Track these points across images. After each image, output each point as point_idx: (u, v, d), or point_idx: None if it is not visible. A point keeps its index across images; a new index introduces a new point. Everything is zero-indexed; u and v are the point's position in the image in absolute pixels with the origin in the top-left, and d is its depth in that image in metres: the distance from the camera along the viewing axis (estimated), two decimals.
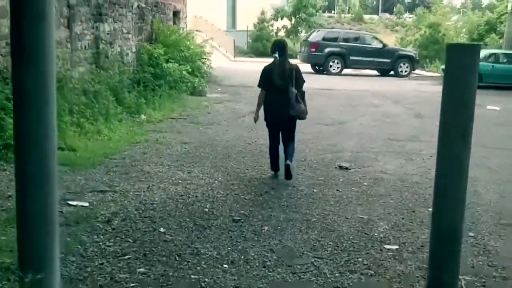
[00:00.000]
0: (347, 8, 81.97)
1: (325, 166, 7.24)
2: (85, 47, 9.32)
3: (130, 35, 11.60)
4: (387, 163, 7.71)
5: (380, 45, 21.71)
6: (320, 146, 8.58)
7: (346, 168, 7.11)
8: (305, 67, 21.85)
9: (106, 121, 8.72)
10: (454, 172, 2.98)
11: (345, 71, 21.45)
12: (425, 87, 18.48)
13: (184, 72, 12.74)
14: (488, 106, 14.59)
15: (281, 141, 6.35)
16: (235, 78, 17.53)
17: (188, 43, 14.50)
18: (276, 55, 6.02)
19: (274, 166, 6.36)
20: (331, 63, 20.88)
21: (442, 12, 28.80)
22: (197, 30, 32.19)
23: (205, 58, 16.19)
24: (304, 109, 6.12)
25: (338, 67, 20.95)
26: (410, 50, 23.29)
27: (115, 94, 9.81)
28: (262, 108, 6.29)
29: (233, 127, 9.89)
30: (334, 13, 77.70)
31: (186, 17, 17.53)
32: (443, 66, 19.98)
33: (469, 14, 28.84)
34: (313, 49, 20.87)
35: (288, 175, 6.11)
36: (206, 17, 30.98)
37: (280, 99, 5.87)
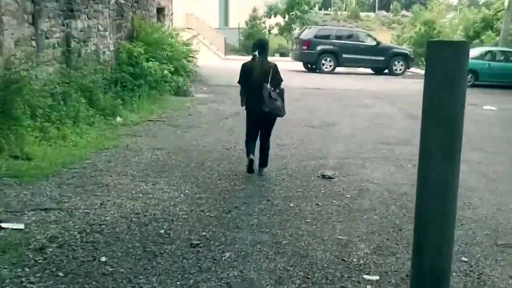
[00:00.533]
0: (343, 5, 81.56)
1: (307, 175, 6.65)
2: (54, 45, 8.70)
3: (107, 33, 10.98)
4: (375, 170, 7.13)
5: (374, 43, 21.06)
6: (304, 152, 7.99)
7: (329, 178, 6.52)
8: (297, 66, 21.41)
9: (75, 125, 8.11)
10: (438, 201, 2.38)
11: (338, 69, 20.82)
12: (419, 86, 17.71)
13: (166, 72, 12.12)
14: (484, 106, 14.07)
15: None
16: (223, 77, 16.89)
17: (172, 41, 13.87)
18: (256, 53, 6.23)
19: (249, 151, 6.54)
20: (323, 61, 20.25)
21: (438, 9, 28.06)
22: (188, 28, 31.64)
23: (192, 57, 15.59)
24: (279, 106, 6.21)
25: (330, 66, 20.32)
26: (405, 48, 22.65)
27: (88, 95, 9.21)
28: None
29: (213, 131, 9.29)
30: (330, 11, 77.33)
31: (172, 14, 16.89)
32: None
33: (465, 11, 28.15)
34: (305, 47, 20.23)
35: (250, 169, 6.46)
36: (197, 14, 30.35)
37: (258, 95, 6.04)
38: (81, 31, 9.67)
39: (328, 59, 20.28)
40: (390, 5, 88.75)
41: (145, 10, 13.50)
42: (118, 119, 9.54)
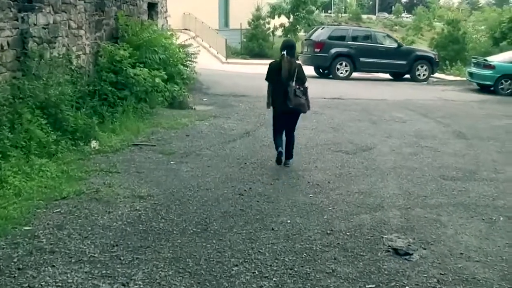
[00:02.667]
0: (344, 7, 79.76)
1: (367, 247, 4.33)
2: (2, 46, 6.37)
3: (82, 32, 8.65)
4: (460, 231, 4.86)
5: (395, 45, 18.73)
6: (347, 197, 5.67)
7: (406, 253, 4.19)
8: (307, 70, 19.07)
9: (27, 157, 5.79)
10: None
11: (353, 74, 18.46)
12: (450, 95, 15.58)
13: (157, 80, 9.78)
14: None
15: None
16: (226, 84, 14.58)
17: (165, 42, 11.54)
18: (285, 53, 6.48)
19: (278, 145, 6.82)
20: (338, 66, 17.90)
21: (460, 7, 25.43)
22: (185, 29, 29.36)
23: (189, 61, 13.27)
24: (303, 103, 6.61)
25: (346, 71, 17.97)
26: (429, 51, 20.31)
27: (53, 114, 6.89)
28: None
29: (218, 161, 6.96)
30: (331, 13, 75.62)
31: (166, 11, 14.55)
32: (469, 69, 17.13)
33: (488, 10, 25.82)
34: (317, 49, 17.88)
35: (279, 161, 6.80)
36: (195, 14, 28.03)
37: (282, 93, 6.44)
38: (44, 28, 7.33)
39: (344, 63, 17.94)
40: (391, 8, 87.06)
41: (133, 5, 11.15)
42: (93, 144, 7.23)
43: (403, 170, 7.01)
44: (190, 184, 5.82)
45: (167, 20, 14.66)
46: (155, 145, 7.60)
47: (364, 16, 70.82)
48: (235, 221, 4.76)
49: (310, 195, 5.66)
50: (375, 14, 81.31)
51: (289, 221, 4.83)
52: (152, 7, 13.14)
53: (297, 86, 6.49)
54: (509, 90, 15.71)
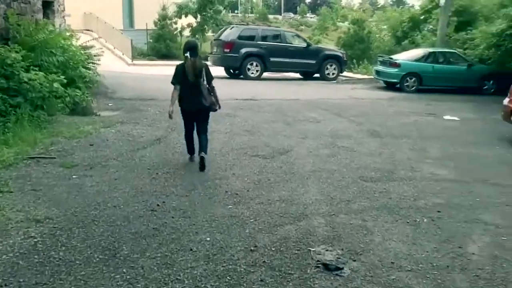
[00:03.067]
0: (250, 7, 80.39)
1: (295, 263, 3.99)
2: None
3: None
4: (388, 237, 4.69)
5: (304, 44, 18.77)
6: (269, 206, 5.33)
7: (336, 268, 3.89)
8: (217, 71, 18.66)
9: None
10: None
11: (264, 74, 18.27)
12: (360, 93, 15.81)
13: (56, 85, 8.94)
14: (445, 116, 12.13)
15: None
16: (132, 87, 13.81)
17: (64, 43, 10.66)
18: (188, 54, 6.51)
19: (190, 150, 7.01)
20: (249, 66, 17.63)
21: (364, 7, 26.04)
22: (87, 29, 27.94)
23: (92, 63, 12.42)
24: (214, 101, 6.72)
25: (257, 71, 17.74)
26: (337, 50, 20.61)
27: None
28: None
29: (127, 172, 6.36)
30: (238, 13, 75.84)
31: (64, 10, 13.53)
32: (376, 67, 17.53)
33: (389, 10, 26.76)
34: (227, 50, 17.51)
35: (202, 166, 6.57)
36: (98, 14, 26.71)
37: (193, 93, 6.50)
38: None
39: (255, 64, 17.70)
40: (296, 8, 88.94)
41: (25, 3, 10.16)
42: None
43: (323, 173, 6.79)
44: (95, 201, 5.20)
45: (65, 20, 13.65)
46: (55, 157, 6.85)
47: (270, 16, 71.74)
48: (148, 243, 4.24)
49: (230, 207, 5.25)
50: (281, 14, 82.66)
51: (208, 239, 4.38)
52: (47, 5, 12.13)
53: (207, 86, 6.65)
54: (414, 87, 16.22)
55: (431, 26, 21.92)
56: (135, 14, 30.30)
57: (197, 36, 29.53)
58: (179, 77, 6.60)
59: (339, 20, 69.84)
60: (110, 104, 11.34)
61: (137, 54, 24.72)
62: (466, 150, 8.75)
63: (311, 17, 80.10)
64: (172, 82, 6.69)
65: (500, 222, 5.25)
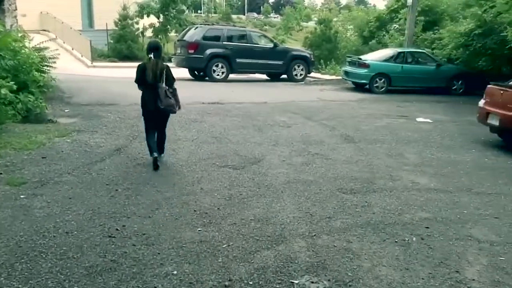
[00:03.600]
0: (213, 7, 79.85)
1: None
2: None
3: None
4: (376, 261, 4.21)
5: (271, 45, 18.24)
6: (243, 228, 4.78)
7: None
8: (181, 73, 17.97)
9: None
10: None
11: (230, 76, 17.66)
12: (329, 94, 15.41)
13: (4, 91, 8.18)
14: (418, 118, 11.82)
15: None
16: (91, 91, 13.03)
17: (15, 45, 9.86)
18: (151, 55, 6.58)
19: (152, 150, 6.80)
20: (214, 68, 16.99)
21: (329, 7, 25.54)
22: (44, 30, 26.79)
23: (47, 66, 11.63)
24: (173, 103, 6.69)
25: (223, 72, 17.11)
26: (304, 50, 20.14)
27: None
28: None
29: (83, 189, 5.71)
30: (201, 13, 75.24)
31: (15, 9, 12.66)
32: (344, 68, 17.17)
33: (354, 9, 26.50)
34: (191, 51, 16.83)
35: (156, 166, 6.63)
36: (55, 13, 25.60)
37: (152, 94, 6.56)
38: None
39: (220, 65, 17.08)
40: (260, 8, 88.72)
41: None
42: None
43: (299, 185, 6.28)
44: (44, 227, 4.55)
45: (17, 20, 12.77)
46: (1, 173, 6.14)
47: (234, 16, 71.40)
48: (104, 280, 3.63)
49: (199, 229, 4.68)
50: (244, 14, 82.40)
51: (175, 272, 3.81)
52: None
53: (167, 87, 6.64)
54: (383, 88, 15.93)
55: (397, 26, 21.75)
56: (94, 14, 29.24)
57: (159, 36, 28.69)
58: (139, 77, 6.65)
59: (302, 20, 69.97)
60: (66, 110, 10.57)
61: (97, 56, 23.77)
62: (443, 155, 8.40)
63: (274, 17, 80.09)
64: (135, 81, 6.76)
65: (494, 238, 4.85)
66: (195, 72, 18.06)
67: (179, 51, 17.62)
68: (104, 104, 11.21)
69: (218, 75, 17.12)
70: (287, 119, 10.84)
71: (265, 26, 67.22)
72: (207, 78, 17.30)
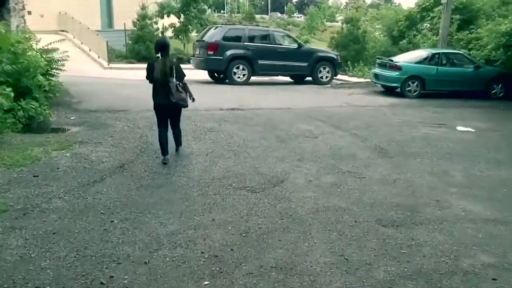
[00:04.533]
0: (236, 7, 79.11)
1: None
2: None
3: None
4: None
5: (295, 45, 17.18)
6: (261, 281, 3.80)
7: None
8: (200, 75, 17.09)
9: None
10: None
11: (252, 78, 16.64)
12: (358, 99, 14.31)
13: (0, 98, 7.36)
14: (458, 127, 10.67)
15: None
16: (103, 96, 12.19)
17: (17, 48, 9.06)
18: (159, 55, 6.76)
19: (164, 151, 6.95)
20: (235, 70, 16.03)
21: (356, 5, 24.11)
22: (62, 30, 26.20)
23: (55, 69, 10.86)
24: (184, 97, 6.87)
25: (244, 75, 16.14)
26: (331, 51, 19.02)
27: None
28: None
29: (72, 221, 4.80)
30: (223, 12, 74.60)
31: (23, 8, 11.87)
32: (374, 70, 16.04)
33: (383, 8, 25.22)
34: (211, 52, 15.89)
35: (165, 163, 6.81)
36: (73, 13, 24.96)
37: (163, 90, 6.73)
38: None
39: (241, 67, 16.10)
40: (283, 7, 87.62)
41: None
42: None
43: (329, 214, 5.27)
44: (11, 279, 3.63)
45: (24, 20, 11.98)
46: None
47: (257, 16, 70.55)
48: None
49: (205, 283, 3.71)
50: (268, 14, 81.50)
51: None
52: (1, 3, 10.49)
53: (177, 83, 6.78)
54: (416, 92, 14.77)
55: (428, 25, 20.51)
56: (114, 13, 28.54)
57: (180, 36, 27.88)
58: (149, 74, 6.83)
59: (326, 19, 68.68)
60: (72, 118, 9.72)
61: (115, 57, 23.01)
62: (493, 172, 7.29)
63: (298, 17, 79.00)
64: (146, 78, 6.95)
65: None
66: (215, 74, 17.11)
67: (198, 52, 16.68)
68: (114, 111, 10.33)
69: (239, 77, 16.14)
70: (314, 128, 9.82)
71: (288, 26, 66.16)
72: (227, 81, 16.33)
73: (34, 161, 6.68)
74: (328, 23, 64.27)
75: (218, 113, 10.72)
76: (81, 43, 23.51)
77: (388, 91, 15.56)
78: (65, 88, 11.82)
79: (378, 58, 16.29)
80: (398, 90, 14.99)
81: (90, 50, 22.45)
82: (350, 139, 8.97)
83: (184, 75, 7.01)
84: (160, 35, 26.38)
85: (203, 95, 11.30)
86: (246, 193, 5.82)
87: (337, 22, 77.88)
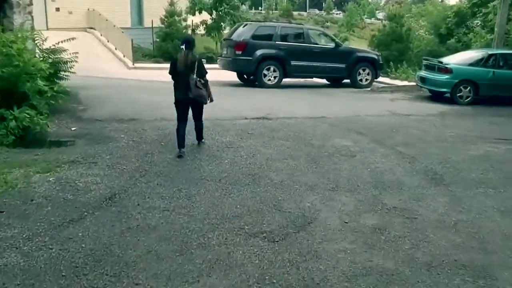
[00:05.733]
0: (274, 3, 77.73)
1: None
2: None
3: None
4: None
5: (332, 44, 15.63)
6: None
7: None
8: (229, 76, 15.78)
9: None
10: None
11: (284, 80, 15.18)
12: (402, 106, 12.71)
13: None
14: None
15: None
16: (114, 101, 10.96)
17: (11, 49, 7.95)
18: (183, 47, 6.84)
19: (180, 143, 7.01)
20: (265, 72, 14.61)
21: (401, 0, 22.17)
22: (90, 28, 25.34)
23: (62, 71, 9.77)
24: (204, 94, 6.93)
25: (275, 77, 14.68)
26: (371, 51, 17.35)
27: None
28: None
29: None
30: (261, 9, 73.52)
31: (30, 4, 10.73)
32: (420, 73, 14.39)
33: (429, 3, 23.30)
34: (239, 51, 14.51)
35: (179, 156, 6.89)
36: (101, 10, 24.02)
37: (182, 84, 6.82)
38: None
39: (272, 68, 14.68)
40: (322, 4, 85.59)
41: None
42: None
43: (371, 281, 3.85)
44: None
45: (32, 17, 10.84)
46: None
47: (295, 13, 69.17)
48: None
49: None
50: (306, 11, 79.95)
51: None
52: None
53: (198, 79, 6.81)
54: (469, 98, 13.07)
55: (479, 22, 18.64)
56: (144, 10, 27.53)
57: (212, 34, 26.69)
58: (171, 68, 6.96)
59: (366, 16, 66.58)
60: (73, 129, 8.52)
61: (142, 55, 21.97)
62: None
63: (337, 14, 77.19)
64: (169, 73, 7.07)
65: None
66: (245, 76, 15.76)
67: (225, 52, 15.33)
68: (122, 120, 9.09)
69: (269, 80, 14.73)
70: (351, 143, 8.36)
71: (326, 23, 64.44)
72: (257, 83, 14.94)
73: (8, 189, 5.48)
74: (368, 20, 62.21)
75: (241, 123, 9.37)
76: (108, 41, 22.53)
77: (436, 97, 13.88)
78: (75, 92, 10.70)
79: (425, 59, 14.58)
80: (448, 95, 13.32)
81: (116, 49, 21.41)
82: (395, 159, 7.48)
83: (206, 72, 7.06)
84: (191, 33, 25.27)
85: (228, 99, 10.03)
86: (261, 243, 4.45)
87: (377, 19, 75.79)
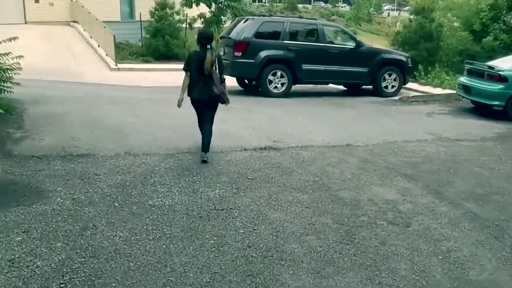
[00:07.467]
0: None
1: None
2: None
3: None
4: None
5: (352, 44, 12.90)
6: None
7: None
8: (227, 80, 13.04)
9: None
10: None
11: (294, 87, 12.53)
12: (446, 125, 9.93)
13: None
14: None
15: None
16: (69, 122, 8.14)
17: None
18: (209, 46, 6.34)
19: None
20: (270, 77, 11.90)
21: None
22: (73, 21, 22.69)
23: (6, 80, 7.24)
24: (225, 91, 6.54)
25: (282, 84, 11.97)
26: (398, 52, 14.51)
27: None
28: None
29: None
30: (264, 2, 71.57)
31: None
32: (462, 80, 11.64)
33: None
34: (239, 53, 11.82)
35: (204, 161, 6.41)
36: (87, 2, 21.34)
37: (205, 83, 6.37)
38: None
39: (279, 74, 11.96)
40: None
41: None
42: None
43: None
44: None
45: None
46: None
47: (299, 6, 66.99)
48: None
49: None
50: (310, 4, 77.99)
51: None
52: None
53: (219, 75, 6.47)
54: None
55: None
56: (136, 1, 24.78)
57: (212, 28, 24.03)
58: (192, 65, 6.39)
59: (372, 10, 64.22)
60: None
61: (130, 54, 19.28)
62: None
63: (342, 7, 75.37)
64: (184, 69, 6.52)
65: None
66: (246, 81, 13.10)
67: (222, 53, 12.58)
68: (70, 156, 6.41)
69: (275, 87, 12.05)
70: (398, 195, 5.75)
71: (332, 16, 62.26)
72: (260, 90, 12.28)
73: None
74: (374, 13, 60.17)
75: (239, 159, 6.73)
76: (90, 37, 19.84)
77: (481, 109, 11.19)
78: (21, 108, 8.13)
79: (468, 63, 11.80)
80: (500, 108, 10.61)
81: (98, 46, 18.68)
82: (471, 231, 4.85)
83: (224, 68, 6.66)
84: (189, 27, 22.75)
85: (223, 114, 7.42)
86: None
87: (382, 12, 73.68)
